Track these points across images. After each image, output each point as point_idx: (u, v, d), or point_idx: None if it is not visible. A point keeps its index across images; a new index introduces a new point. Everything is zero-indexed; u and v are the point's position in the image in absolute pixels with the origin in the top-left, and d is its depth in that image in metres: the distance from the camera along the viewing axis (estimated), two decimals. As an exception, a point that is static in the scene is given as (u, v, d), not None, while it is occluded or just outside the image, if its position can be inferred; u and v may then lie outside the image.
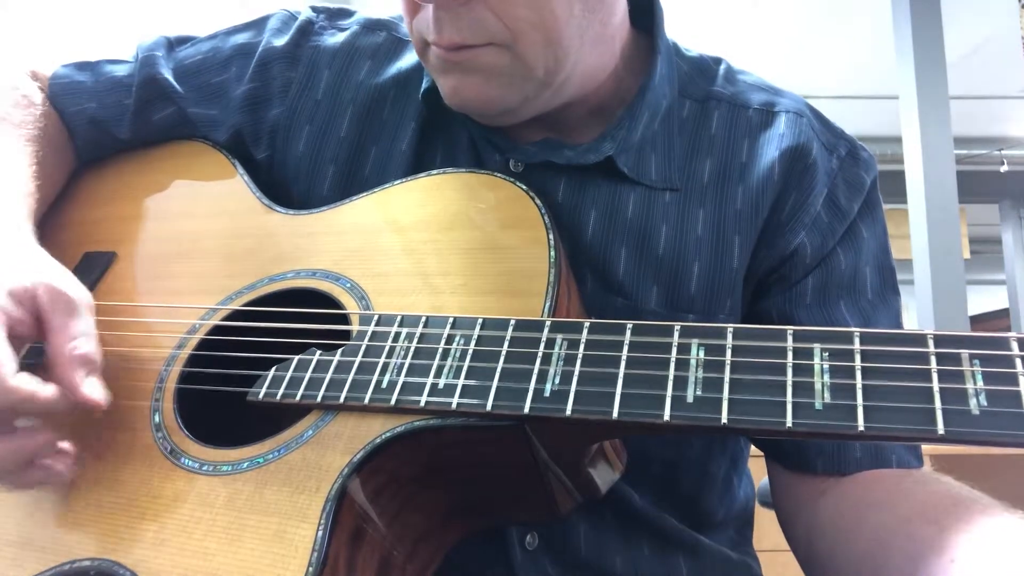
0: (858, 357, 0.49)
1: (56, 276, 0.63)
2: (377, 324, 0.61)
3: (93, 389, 0.59)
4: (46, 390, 0.57)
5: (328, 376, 0.59)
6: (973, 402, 0.45)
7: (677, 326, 0.54)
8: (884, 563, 0.59)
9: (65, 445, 0.60)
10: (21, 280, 0.61)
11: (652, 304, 0.73)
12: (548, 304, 0.59)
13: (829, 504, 0.69)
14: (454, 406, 0.54)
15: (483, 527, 0.65)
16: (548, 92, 0.71)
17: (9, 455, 0.56)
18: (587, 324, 0.56)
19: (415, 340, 0.59)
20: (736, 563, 0.81)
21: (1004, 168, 7.14)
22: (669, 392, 0.51)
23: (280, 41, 0.84)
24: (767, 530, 0.90)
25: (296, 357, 0.61)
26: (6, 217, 0.70)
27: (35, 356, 0.61)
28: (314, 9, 0.88)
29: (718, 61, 0.84)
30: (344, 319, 0.64)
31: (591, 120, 0.78)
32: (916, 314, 4.37)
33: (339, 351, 0.60)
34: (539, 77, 0.69)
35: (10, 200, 0.72)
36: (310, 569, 0.49)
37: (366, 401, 0.56)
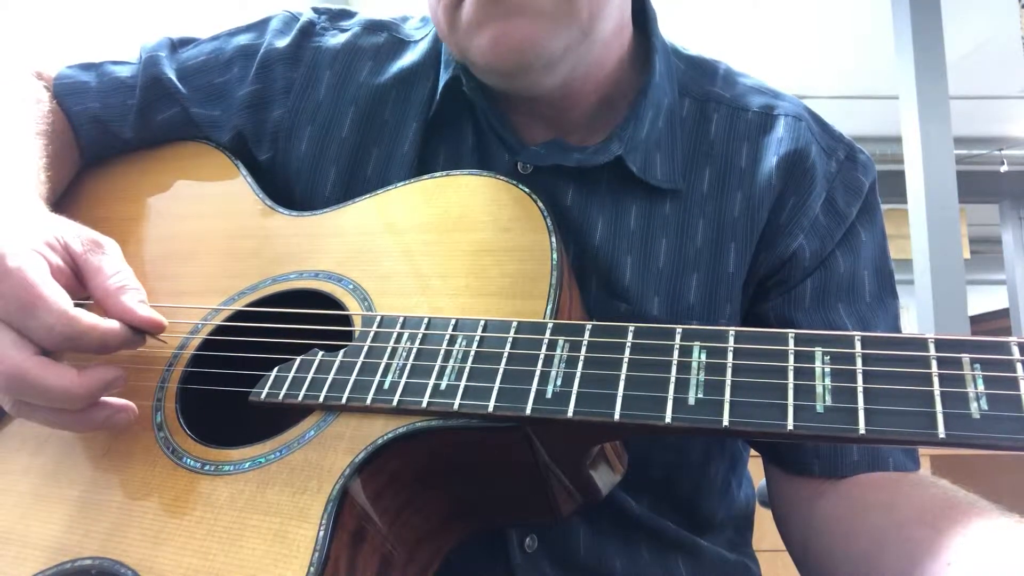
0: (859, 360, 0.49)
1: (78, 226, 0.65)
2: (379, 325, 0.61)
3: (150, 312, 0.61)
4: (106, 321, 0.58)
5: (330, 377, 0.59)
6: (974, 406, 0.45)
7: (679, 329, 0.54)
8: (880, 565, 0.59)
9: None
10: (52, 231, 0.62)
11: (655, 311, 0.73)
12: (550, 307, 0.59)
13: (826, 506, 0.69)
14: (456, 407, 0.54)
15: (484, 528, 0.65)
16: (584, 46, 0.70)
17: (82, 389, 0.56)
18: (589, 326, 0.56)
19: (417, 341, 0.59)
20: (734, 564, 0.82)
21: (1004, 168, 7.16)
22: (670, 394, 0.51)
23: (282, 42, 0.84)
24: (767, 530, 0.90)
25: (298, 358, 0.61)
26: (26, 191, 0.71)
27: None
28: (315, 10, 0.88)
29: (716, 62, 0.84)
30: (346, 320, 0.64)
31: (596, 118, 0.78)
32: (916, 314, 4.38)
33: (341, 352, 0.61)
34: (582, 20, 0.68)
35: (26, 181, 0.73)
36: (311, 569, 0.49)
37: (368, 402, 0.56)
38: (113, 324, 0.59)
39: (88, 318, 0.57)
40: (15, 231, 0.60)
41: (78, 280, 0.62)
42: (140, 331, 0.61)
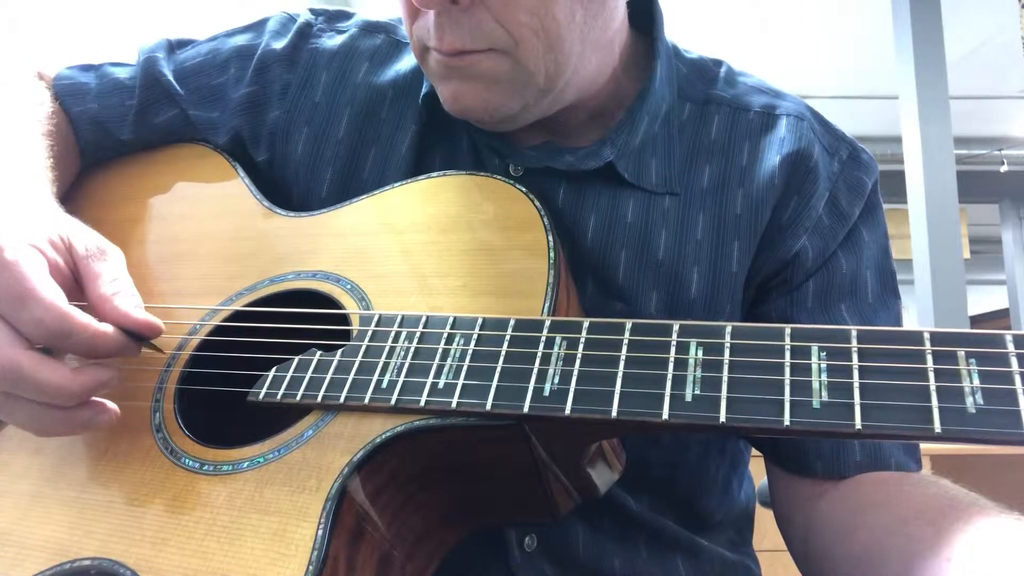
0: (855, 356, 0.49)
1: (87, 230, 0.65)
2: (377, 324, 0.61)
3: (145, 315, 0.61)
4: (100, 323, 0.58)
5: (328, 376, 0.59)
6: (969, 400, 0.45)
7: (676, 325, 0.54)
8: (881, 563, 0.59)
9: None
10: (58, 230, 0.62)
11: (652, 309, 0.73)
12: (547, 305, 0.59)
13: (827, 505, 0.69)
14: (454, 406, 0.54)
15: (482, 527, 0.65)
16: (548, 98, 0.71)
17: (76, 386, 0.56)
18: (586, 323, 0.56)
19: (415, 340, 0.59)
20: (734, 564, 0.81)
21: (1004, 168, 7.16)
22: (668, 391, 0.51)
23: (279, 43, 0.84)
24: (767, 530, 0.90)
25: (296, 357, 0.61)
26: (38, 187, 0.71)
27: None
28: (313, 11, 0.88)
29: (718, 63, 0.84)
30: (344, 319, 0.64)
31: (590, 123, 0.78)
32: (916, 314, 4.38)
33: (339, 351, 0.61)
34: (539, 83, 0.68)
35: (38, 177, 0.73)
36: (310, 568, 0.49)
37: (366, 401, 0.56)
38: (106, 327, 0.58)
39: (81, 317, 0.56)
40: (18, 225, 0.60)
41: (77, 283, 0.62)
42: (134, 336, 0.60)
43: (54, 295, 0.56)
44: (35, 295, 0.55)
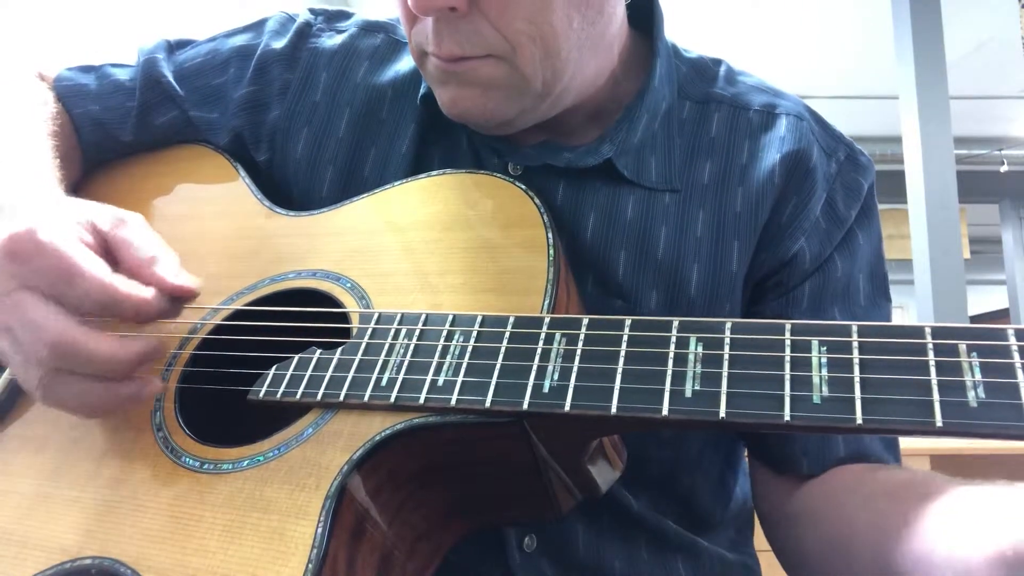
0: (856, 350, 0.49)
1: (101, 205, 0.66)
2: (377, 322, 0.61)
3: (182, 280, 0.62)
4: (143, 289, 0.59)
5: (328, 374, 0.59)
6: (971, 394, 0.45)
7: (675, 321, 0.54)
8: (851, 542, 0.61)
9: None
10: (79, 213, 0.63)
11: (652, 306, 0.73)
12: (547, 302, 0.59)
13: (804, 497, 0.71)
14: (453, 403, 0.54)
15: (483, 526, 0.65)
16: (545, 103, 0.71)
17: (128, 354, 0.57)
18: (586, 320, 0.56)
19: (415, 338, 0.59)
20: (734, 564, 0.81)
21: (1004, 168, 7.17)
22: (667, 387, 0.51)
23: (279, 43, 0.84)
24: (768, 530, 0.90)
25: (296, 356, 0.61)
26: (49, 181, 0.72)
27: None
28: (312, 11, 0.88)
29: (718, 62, 0.84)
30: (344, 318, 0.64)
31: (589, 123, 0.78)
32: (916, 314, 4.39)
33: (339, 350, 0.61)
34: (537, 89, 0.69)
35: (48, 173, 0.74)
36: (310, 566, 0.49)
37: (366, 399, 0.56)
38: (149, 292, 0.60)
39: (124, 285, 0.58)
40: (45, 212, 0.61)
41: (110, 257, 0.63)
42: (174, 299, 0.63)
43: (95, 267, 0.57)
44: (78, 270, 0.56)
